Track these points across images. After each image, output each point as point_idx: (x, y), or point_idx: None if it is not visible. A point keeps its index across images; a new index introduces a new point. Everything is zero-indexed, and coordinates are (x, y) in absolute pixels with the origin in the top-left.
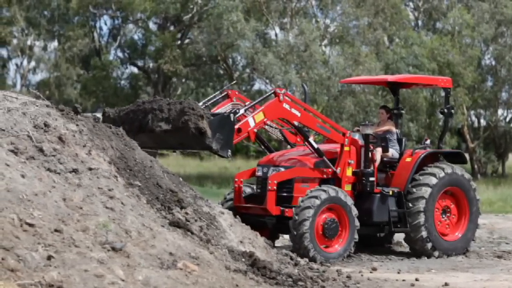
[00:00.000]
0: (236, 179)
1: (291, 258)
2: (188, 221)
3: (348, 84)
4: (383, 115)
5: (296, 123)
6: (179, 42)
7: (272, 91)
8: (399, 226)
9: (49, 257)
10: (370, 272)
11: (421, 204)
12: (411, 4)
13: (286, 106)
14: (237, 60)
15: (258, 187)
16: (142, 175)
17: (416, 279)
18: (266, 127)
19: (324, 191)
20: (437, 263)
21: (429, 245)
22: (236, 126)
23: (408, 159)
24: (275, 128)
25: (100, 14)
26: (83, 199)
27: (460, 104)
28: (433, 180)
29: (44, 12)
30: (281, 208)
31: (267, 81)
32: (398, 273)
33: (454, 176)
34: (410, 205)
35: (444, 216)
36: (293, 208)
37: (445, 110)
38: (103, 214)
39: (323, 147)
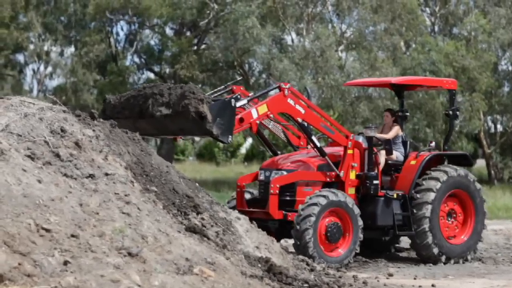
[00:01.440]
0: (238, 183)
1: (307, 264)
2: (205, 226)
3: (364, 89)
4: (388, 117)
5: (299, 120)
6: (195, 47)
7: (277, 86)
8: (404, 229)
9: (65, 262)
10: (387, 278)
11: (426, 210)
12: (427, 9)
13: (291, 101)
14: (253, 66)
15: (260, 191)
16: (158, 181)
17: (433, 285)
18: (270, 126)
19: (324, 196)
20: (453, 269)
21: (436, 250)
22: (239, 116)
23: (413, 162)
24: (280, 129)
25: (117, 19)
26: (99, 205)
27: (476, 110)
28: (437, 185)
29: (61, 18)
30: (284, 212)
31: None
32: (415, 279)
33: (458, 178)
34: (415, 211)
35: (450, 219)
36: (295, 217)
37: (450, 112)
38: (120, 220)
39: (327, 150)
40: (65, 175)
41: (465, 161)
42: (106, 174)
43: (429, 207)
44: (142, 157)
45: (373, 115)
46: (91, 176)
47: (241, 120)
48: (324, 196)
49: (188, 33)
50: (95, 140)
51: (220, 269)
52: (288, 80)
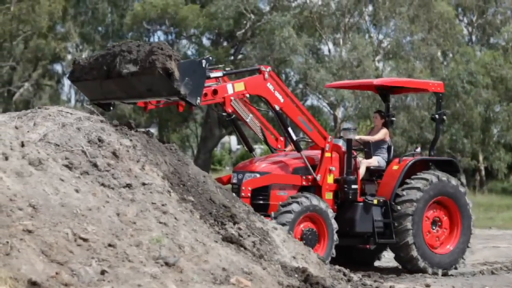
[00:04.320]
0: None
1: (344, 274)
2: (241, 236)
3: (402, 99)
4: (377, 119)
5: (277, 107)
6: (232, 57)
7: (257, 67)
8: (384, 237)
9: (102, 272)
10: None
11: (408, 223)
12: (465, 19)
13: (270, 86)
14: (290, 76)
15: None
16: (195, 190)
17: None
18: (248, 120)
19: (298, 202)
20: (491, 280)
21: (421, 262)
22: (213, 87)
23: (395, 167)
24: (258, 126)
25: (154, 30)
26: (136, 214)
27: None
28: (418, 195)
29: (98, 28)
30: None
31: (320, 96)
32: None
33: (440, 185)
34: (396, 224)
35: (435, 228)
36: (272, 213)
37: (436, 116)
38: (157, 229)
39: (307, 152)
40: (103, 184)
41: (452, 167)
42: (143, 184)
43: (411, 218)
44: (179, 167)
45: (411, 125)
46: (128, 185)
47: (215, 91)
48: (298, 203)
49: (225, 43)
50: (132, 150)
51: (257, 279)
52: (325, 90)
